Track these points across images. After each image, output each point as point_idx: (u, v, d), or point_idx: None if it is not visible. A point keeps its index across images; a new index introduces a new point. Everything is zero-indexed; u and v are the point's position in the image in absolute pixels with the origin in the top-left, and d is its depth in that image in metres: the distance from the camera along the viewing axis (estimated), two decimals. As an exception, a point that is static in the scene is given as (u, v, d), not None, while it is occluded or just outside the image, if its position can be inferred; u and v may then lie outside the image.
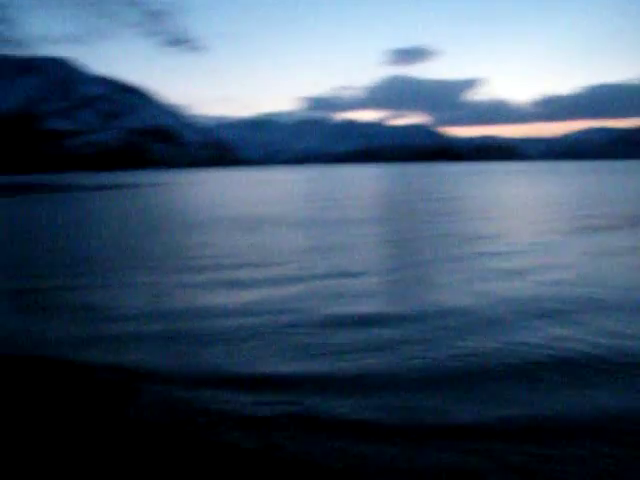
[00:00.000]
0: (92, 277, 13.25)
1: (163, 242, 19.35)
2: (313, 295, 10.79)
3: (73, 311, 10.22)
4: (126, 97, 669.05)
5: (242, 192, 59.24)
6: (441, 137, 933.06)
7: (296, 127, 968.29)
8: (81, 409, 6.03)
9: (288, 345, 7.96)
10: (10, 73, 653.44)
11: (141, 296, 11.17)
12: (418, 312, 9.45)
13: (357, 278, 12.29)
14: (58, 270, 14.42)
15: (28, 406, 6.11)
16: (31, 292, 12.00)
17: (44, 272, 14.20)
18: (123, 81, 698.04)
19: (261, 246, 17.59)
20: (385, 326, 8.73)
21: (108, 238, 21.20)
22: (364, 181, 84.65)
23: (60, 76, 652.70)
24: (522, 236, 18.45)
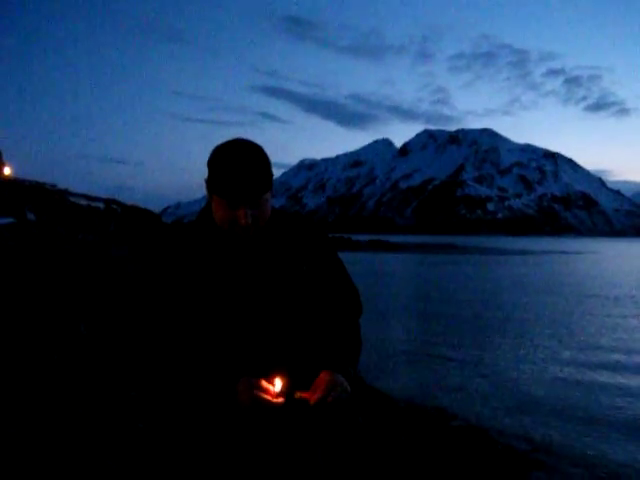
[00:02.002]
0: (509, 340, 12.50)
1: (585, 314, 17.43)
2: None
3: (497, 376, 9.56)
4: (545, 164, 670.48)
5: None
6: None
7: None
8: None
9: None
10: (443, 145, 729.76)
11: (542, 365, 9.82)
12: None
13: None
14: (467, 330, 14.17)
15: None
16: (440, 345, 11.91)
17: (452, 331, 14.12)
18: (543, 148, 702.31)
19: None
20: None
21: (530, 304, 20.30)
22: None
23: (485, 146, 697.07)
24: None
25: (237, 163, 1.56)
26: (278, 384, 1.52)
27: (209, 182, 1.62)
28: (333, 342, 1.70)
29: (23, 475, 3.43)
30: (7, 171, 57.36)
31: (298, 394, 1.55)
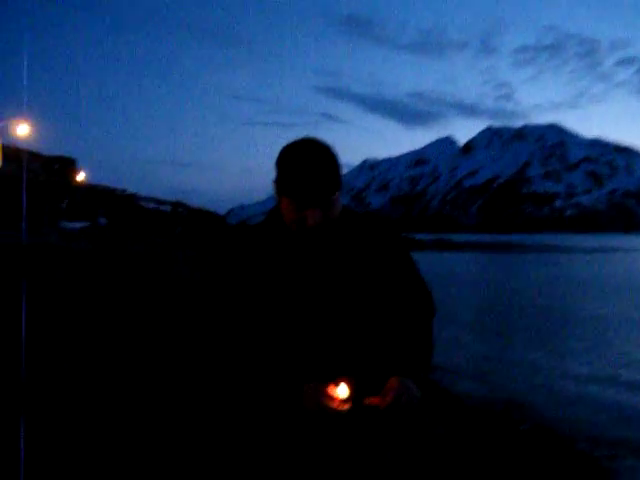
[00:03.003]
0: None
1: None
2: None
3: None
4: (616, 158, 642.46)
5: None
6: None
7: None
8: None
9: None
10: (507, 142, 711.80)
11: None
12: None
13: None
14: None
15: None
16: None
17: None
18: (614, 142, 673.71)
19: None
20: None
21: (603, 305, 19.58)
22: None
23: (552, 141, 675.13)
24: None
25: (305, 163, 1.52)
26: (345, 390, 1.49)
27: (278, 183, 1.59)
28: (403, 346, 1.65)
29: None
30: (81, 177, 60.08)
31: (367, 400, 1.52)
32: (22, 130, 26.15)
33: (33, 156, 55.82)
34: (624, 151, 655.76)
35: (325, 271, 1.62)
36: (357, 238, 1.68)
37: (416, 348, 1.65)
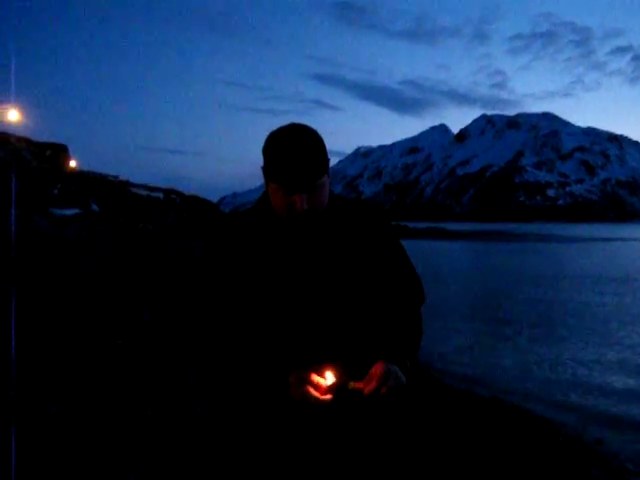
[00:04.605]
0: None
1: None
2: None
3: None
4: (608, 148, 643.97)
5: None
6: None
7: None
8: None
9: None
10: (501, 130, 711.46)
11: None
12: None
13: None
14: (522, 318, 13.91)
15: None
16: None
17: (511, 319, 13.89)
18: (606, 131, 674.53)
19: None
20: None
21: (590, 295, 19.73)
22: None
23: (545, 130, 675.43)
24: None
25: (290, 148, 1.54)
26: (330, 377, 1.51)
27: (265, 169, 1.61)
28: (390, 331, 1.66)
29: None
30: (73, 164, 59.64)
31: (352, 384, 1.53)
32: (12, 116, 25.90)
33: (24, 142, 55.38)
34: (617, 140, 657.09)
35: (314, 258, 1.63)
36: (346, 225, 1.68)
37: (403, 334, 1.67)
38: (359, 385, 1.52)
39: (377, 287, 1.68)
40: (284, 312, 1.60)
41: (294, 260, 1.62)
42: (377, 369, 1.53)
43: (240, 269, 1.62)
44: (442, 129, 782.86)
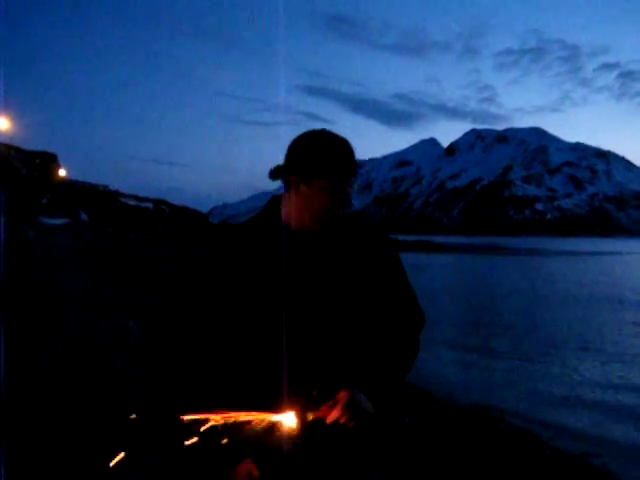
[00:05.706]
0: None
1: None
2: None
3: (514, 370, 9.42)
4: (597, 163, 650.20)
5: None
6: None
7: None
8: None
9: None
10: (490, 145, 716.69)
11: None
12: None
13: None
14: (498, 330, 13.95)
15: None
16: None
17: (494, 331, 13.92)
18: (594, 147, 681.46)
19: None
20: None
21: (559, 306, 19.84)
22: None
23: (534, 144, 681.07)
24: None
25: (335, 141, 1.54)
26: (291, 418, 1.47)
27: (303, 170, 1.54)
28: (371, 358, 1.60)
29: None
30: (62, 173, 59.37)
31: (313, 414, 1.49)
32: (1, 124, 25.80)
33: (13, 150, 55.08)
34: (604, 156, 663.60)
35: (317, 276, 1.58)
36: (352, 244, 1.63)
37: (383, 361, 1.60)
38: (319, 414, 1.50)
39: (376, 311, 1.63)
40: (270, 331, 1.56)
41: (298, 276, 1.57)
42: (341, 396, 1.49)
43: (236, 283, 1.58)
44: (432, 142, 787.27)
